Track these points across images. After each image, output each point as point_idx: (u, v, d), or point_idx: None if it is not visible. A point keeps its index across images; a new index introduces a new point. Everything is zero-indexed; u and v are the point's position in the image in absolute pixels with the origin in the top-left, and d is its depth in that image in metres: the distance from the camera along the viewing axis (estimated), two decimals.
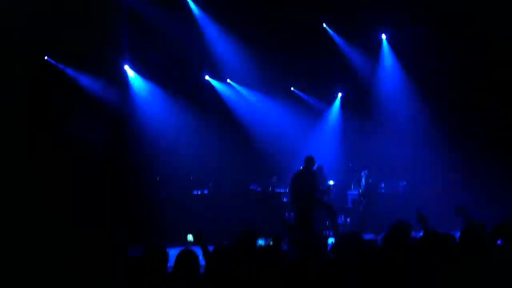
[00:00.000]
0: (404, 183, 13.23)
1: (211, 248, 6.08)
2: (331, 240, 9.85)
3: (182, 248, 5.41)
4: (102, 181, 11.90)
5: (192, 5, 13.95)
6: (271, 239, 7.24)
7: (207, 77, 14.77)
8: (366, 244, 5.90)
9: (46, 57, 12.77)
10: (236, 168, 13.61)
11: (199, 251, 5.57)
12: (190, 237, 9.70)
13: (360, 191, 12.26)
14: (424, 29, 13.37)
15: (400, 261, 5.41)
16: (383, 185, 13.21)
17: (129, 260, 6.02)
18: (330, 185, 11.27)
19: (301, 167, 10.47)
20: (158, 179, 12.68)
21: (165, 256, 5.59)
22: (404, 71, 14.56)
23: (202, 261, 5.55)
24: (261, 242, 7.36)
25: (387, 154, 13.62)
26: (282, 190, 12.81)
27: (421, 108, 14.16)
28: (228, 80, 14.95)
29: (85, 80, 12.91)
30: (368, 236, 10.15)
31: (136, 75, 13.70)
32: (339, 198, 12.81)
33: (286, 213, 12.20)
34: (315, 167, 10.60)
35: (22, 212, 10.31)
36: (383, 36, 14.61)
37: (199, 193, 12.67)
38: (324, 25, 14.66)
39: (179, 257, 5.39)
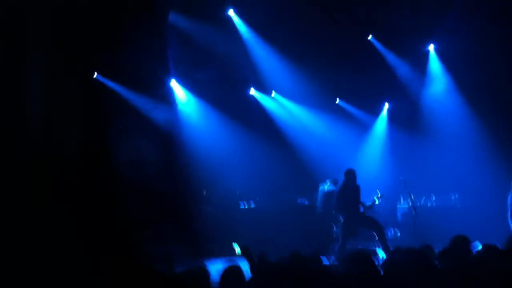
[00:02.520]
0: (456, 196, 12.92)
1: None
2: (381, 255, 9.73)
3: (229, 260, 5.42)
4: (151, 197, 12.07)
5: (237, 21, 14.09)
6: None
7: (252, 91, 14.84)
8: (421, 259, 5.75)
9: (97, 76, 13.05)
10: (282, 182, 13.58)
11: (244, 267, 5.59)
12: (237, 249, 9.77)
13: (411, 204, 12.03)
14: (472, 37, 13.12)
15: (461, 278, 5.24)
16: (434, 198, 12.94)
17: (173, 276, 6.09)
18: (374, 202, 11.05)
19: (344, 181, 10.50)
20: (205, 193, 12.77)
21: (207, 275, 5.62)
22: (452, 81, 14.28)
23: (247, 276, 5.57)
24: None
25: (438, 166, 13.36)
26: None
27: (471, 118, 13.84)
28: (273, 94, 14.97)
29: (134, 98, 13.12)
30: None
31: (184, 91, 13.88)
32: (388, 211, 12.62)
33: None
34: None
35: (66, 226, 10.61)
36: (431, 47, 14.40)
37: (245, 207, 12.69)
38: (370, 37, 14.55)
39: (225, 273, 5.43)
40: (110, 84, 13.04)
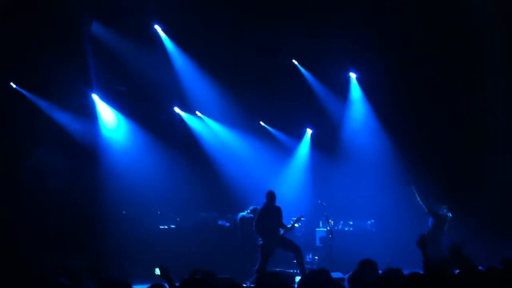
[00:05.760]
0: (372, 221, 13.26)
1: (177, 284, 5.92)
2: (297, 279, 9.76)
3: (149, 283, 5.27)
4: (64, 214, 11.60)
5: (163, 37, 13.95)
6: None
7: (176, 109, 14.66)
8: (333, 282, 5.82)
9: (13, 84, 12.47)
10: (204, 203, 13.44)
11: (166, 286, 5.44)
12: (157, 271, 9.52)
13: (328, 228, 12.19)
14: (391, 68, 13.74)
15: None
16: (351, 223, 13.23)
17: None
18: (293, 223, 11.10)
19: (264, 203, 10.52)
20: (124, 213, 12.38)
21: None
22: (372, 110, 14.79)
23: None
24: None
25: (356, 191, 13.71)
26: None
27: (389, 146, 14.37)
28: (198, 113, 14.86)
29: (53, 110, 12.61)
30: (335, 275, 10.10)
31: (106, 106, 13.49)
32: (307, 235, 12.75)
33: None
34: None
35: None
36: (352, 75, 14.88)
37: (166, 227, 12.42)
38: (294, 61, 14.84)
39: None
40: (26, 94, 12.49)
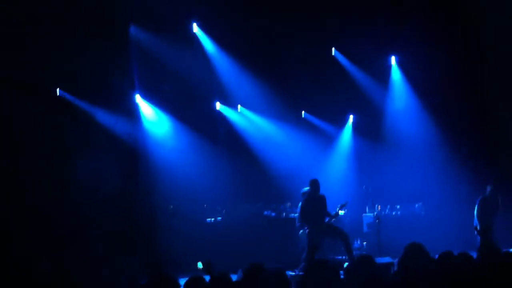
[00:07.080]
0: (420, 205, 13.09)
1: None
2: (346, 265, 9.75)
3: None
4: (115, 212, 11.94)
5: (201, 35, 14.11)
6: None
7: (218, 105, 14.83)
8: (380, 267, 5.80)
9: (58, 90, 12.89)
10: (249, 195, 13.58)
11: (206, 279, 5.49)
12: (199, 265, 9.70)
13: (375, 213, 12.08)
14: (432, 51, 13.45)
15: (416, 284, 5.32)
16: (398, 207, 13.11)
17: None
18: (337, 210, 11.02)
19: (308, 191, 10.53)
20: (171, 207, 12.66)
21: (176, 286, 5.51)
22: (414, 93, 14.56)
23: None
24: None
25: (401, 176, 13.55)
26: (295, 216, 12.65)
27: (433, 129, 14.13)
28: (239, 107, 15.00)
29: (98, 113, 12.98)
30: (384, 260, 10.05)
31: (149, 106, 13.79)
32: (354, 221, 12.71)
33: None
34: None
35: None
36: (393, 59, 14.67)
37: (212, 221, 12.63)
38: (333, 49, 14.76)
39: (187, 284, 5.32)
40: (72, 98, 12.87)
